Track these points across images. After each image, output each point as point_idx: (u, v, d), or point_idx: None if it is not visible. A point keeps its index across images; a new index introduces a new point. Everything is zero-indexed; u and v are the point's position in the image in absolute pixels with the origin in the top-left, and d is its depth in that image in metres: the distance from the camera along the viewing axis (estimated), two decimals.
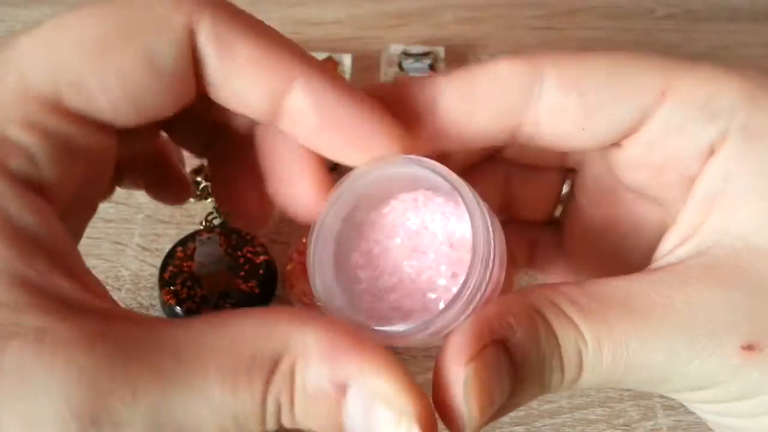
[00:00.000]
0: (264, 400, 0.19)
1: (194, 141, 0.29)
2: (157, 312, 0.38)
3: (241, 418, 0.19)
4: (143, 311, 0.38)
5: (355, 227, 0.24)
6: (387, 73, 0.51)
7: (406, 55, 0.52)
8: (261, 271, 0.39)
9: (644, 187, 0.25)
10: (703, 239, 0.22)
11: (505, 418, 0.35)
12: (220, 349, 0.19)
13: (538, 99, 0.23)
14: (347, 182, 0.23)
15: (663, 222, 0.26)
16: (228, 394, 0.18)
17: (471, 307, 0.20)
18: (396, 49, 0.53)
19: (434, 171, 0.21)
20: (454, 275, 0.22)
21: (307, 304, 0.38)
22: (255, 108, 0.22)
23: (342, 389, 0.19)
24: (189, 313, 0.37)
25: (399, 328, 0.21)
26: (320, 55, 0.52)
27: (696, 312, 0.20)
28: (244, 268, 0.39)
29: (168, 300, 0.37)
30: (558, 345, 0.20)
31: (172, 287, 0.38)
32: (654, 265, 0.23)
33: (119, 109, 0.21)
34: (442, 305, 0.21)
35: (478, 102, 0.23)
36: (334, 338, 0.19)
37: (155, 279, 0.39)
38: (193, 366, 0.18)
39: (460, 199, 0.21)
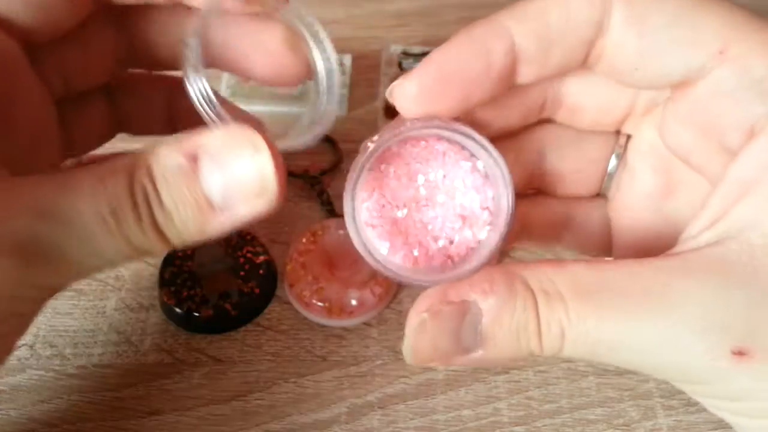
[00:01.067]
0: (131, 188, 0.22)
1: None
2: (158, 312, 0.38)
3: (115, 206, 0.22)
4: (143, 311, 0.38)
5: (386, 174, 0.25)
6: (387, 73, 0.51)
7: (406, 55, 0.52)
8: (261, 271, 0.39)
9: (687, 151, 0.25)
10: (726, 228, 0.21)
11: (504, 419, 0.35)
12: (91, 171, 0.23)
13: (604, 33, 0.23)
14: (384, 135, 0.24)
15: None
16: (97, 185, 0.22)
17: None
18: (396, 49, 0.53)
19: (468, 136, 0.23)
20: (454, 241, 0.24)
21: (307, 304, 0.38)
22: None
23: (194, 159, 0.23)
24: (189, 313, 0.37)
25: (421, 276, 0.23)
26: None
27: (691, 307, 0.20)
28: (244, 268, 0.39)
29: (168, 300, 0.37)
30: (537, 315, 0.21)
31: (172, 287, 0.38)
32: (675, 248, 0.22)
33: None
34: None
35: (552, 40, 0.24)
36: (178, 137, 0.23)
37: (155, 279, 0.39)
38: (65, 179, 0.23)
39: (485, 168, 0.24)
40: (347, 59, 0.52)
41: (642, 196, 0.28)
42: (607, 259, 0.22)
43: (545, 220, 0.30)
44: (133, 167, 0.23)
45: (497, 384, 0.36)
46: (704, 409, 0.35)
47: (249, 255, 0.39)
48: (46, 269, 0.23)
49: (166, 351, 0.37)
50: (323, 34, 0.28)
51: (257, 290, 0.38)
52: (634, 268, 0.21)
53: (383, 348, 0.37)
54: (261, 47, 0.29)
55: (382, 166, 0.24)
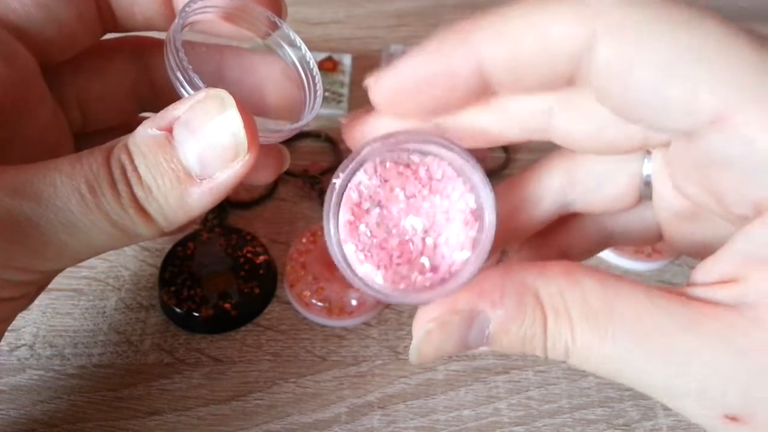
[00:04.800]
0: (108, 163, 0.23)
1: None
2: (158, 312, 0.38)
3: (92, 181, 0.22)
4: (143, 311, 0.38)
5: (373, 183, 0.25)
6: None
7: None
8: (261, 271, 0.39)
9: (694, 197, 0.23)
10: (743, 296, 0.20)
11: (504, 419, 0.35)
12: (72, 155, 0.23)
13: (585, 67, 0.21)
14: (368, 146, 0.24)
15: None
16: (75, 163, 0.23)
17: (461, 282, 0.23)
18: (396, 49, 0.53)
19: (451, 149, 0.23)
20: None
21: (307, 304, 0.38)
22: None
23: (169, 130, 0.23)
24: (189, 313, 0.37)
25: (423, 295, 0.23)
26: (320, 55, 0.52)
27: (693, 366, 0.20)
28: (244, 268, 0.39)
29: (168, 300, 0.37)
30: (545, 331, 0.21)
31: (172, 287, 0.38)
32: (690, 289, 0.21)
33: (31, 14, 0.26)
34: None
35: (523, 70, 0.22)
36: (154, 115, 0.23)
37: (155, 279, 0.39)
38: (46, 162, 0.23)
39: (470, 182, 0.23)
40: (347, 59, 0.52)
41: (672, 212, 0.26)
42: (617, 286, 0.22)
43: (585, 243, 0.29)
44: (111, 145, 0.23)
45: (497, 384, 0.36)
46: None
47: (249, 255, 0.39)
48: (26, 249, 0.23)
49: (166, 351, 0.37)
50: (294, 35, 0.29)
51: (257, 290, 0.38)
52: (645, 305, 0.20)
53: (383, 348, 0.37)
54: (268, 80, 0.29)
55: (362, 186, 0.24)
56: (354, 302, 0.38)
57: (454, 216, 0.24)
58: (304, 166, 0.46)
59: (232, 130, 0.23)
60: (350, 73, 0.51)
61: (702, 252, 0.25)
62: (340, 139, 0.47)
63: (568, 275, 0.21)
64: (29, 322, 0.38)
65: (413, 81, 0.23)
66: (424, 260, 0.23)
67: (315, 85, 0.29)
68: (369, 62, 0.52)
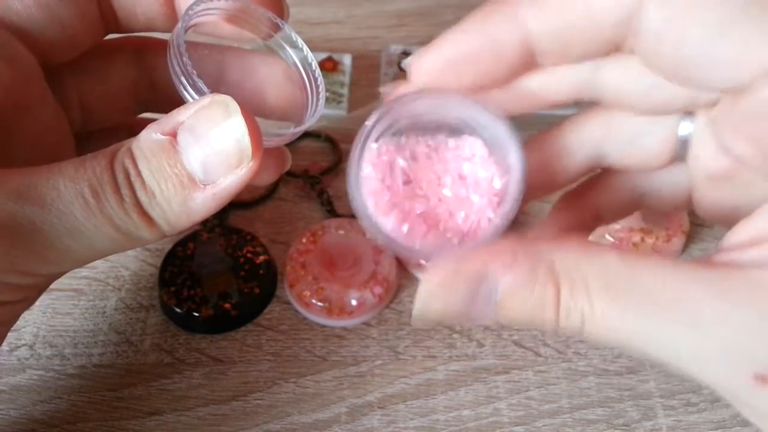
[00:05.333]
0: (112, 167, 0.23)
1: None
2: (158, 312, 0.38)
3: (95, 185, 0.23)
4: (143, 311, 0.38)
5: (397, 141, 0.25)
6: (387, 73, 0.51)
7: (406, 55, 0.52)
8: (261, 271, 0.39)
9: (739, 154, 0.23)
10: None
11: (504, 419, 0.35)
12: (76, 158, 0.23)
13: (636, 33, 0.21)
14: (398, 102, 0.23)
15: None
16: (79, 167, 0.23)
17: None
18: (396, 49, 0.53)
19: (481, 110, 0.23)
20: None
21: (307, 304, 0.38)
22: None
23: (173, 135, 0.23)
24: (189, 313, 0.37)
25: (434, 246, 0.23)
26: (320, 55, 0.52)
27: (721, 328, 0.19)
28: (244, 268, 0.39)
29: (168, 300, 0.37)
30: (557, 301, 0.20)
31: (172, 287, 0.38)
32: (718, 255, 0.21)
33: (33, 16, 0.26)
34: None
35: (571, 38, 0.22)
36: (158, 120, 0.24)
37: (155, 279, 0.39)
38: (49, 166, 0.23)
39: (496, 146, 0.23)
40: (347, 59, 0.52)
41: (707, 174, 0.26)
42: (635, 257, 0.21)
43: (617, 203, 0.29)
44: (115, 149, 0.23)
45: (497, 384, 0.36)
46: (704, 409, 0.35)
47: (249, 255, 0.39)
48: (29, 253, 0.23)
49: (166, 351, 0.37)
50: (296, 36, 0.29)
51: (257, 290, 0.38)
52: (670, 272, 0.20)
53: (383, 348, 0.37)
54: (269, 81, 0.29)
55: (391, 135, 0.24)
56: (354, 302, 0.38)
57: (479, 173, 0.23)
58: (304, 166, 0.46)
59: (237, 137, 0.23)
60: (350, 73, 0.51)
61: (730, 218, 0.24)
62: (340, 138, 0.47)
63: (587, 249, 0.21)
64: (29, 322, 0.38)
65: (457, 57, 0.23)
66: (446, 216, 0.23)
67: (317, 87, 0.29)
68: (369, 62, 0.52)
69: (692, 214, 0.42)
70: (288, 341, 0.38)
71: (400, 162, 0.24)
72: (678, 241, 0.41)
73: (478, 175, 0.24)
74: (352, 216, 0.42)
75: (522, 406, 0.35)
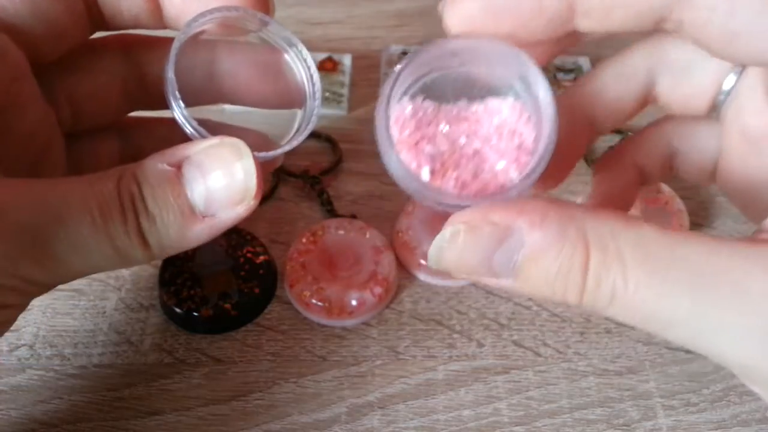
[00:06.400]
0: (119, 191, 0.24)
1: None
2: (158, 312, 0.38)
3: (103, 206, 0.23)
4: (143, 311, 0.38)
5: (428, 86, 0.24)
6: (387, 73, 0.51)
7: (406, 55, 0.52)
8: (261, 271, 0.39)
9: None
10: None
11: (504, 419, 0.35)
12: (80, 177, 0.24)
13: (683, 4, 0.21)
14: (436, 44, 0.23)
15: None
16: (86, 186, 0.24)
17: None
18: (396, 49, 0.53)
19: (516, 59, 0.22)
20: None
21: (307, 304, 0.38)
22: None
23: (178, 167, 0.24)
24: (189, 313, 0.37)
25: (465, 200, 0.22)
26: (320, 55, 0.52)
27: (763, 305, 0.18)
28: (244, 268, 0.39)
29: (168, 300, 0.37)
30: (585, 269, 0.19)
31: (172, 287, 0.38)
32: (760, 234, 0.20)
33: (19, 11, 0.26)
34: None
35: (613, 2, 0.21)
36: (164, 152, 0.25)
37: (155, 279, 0.39)
38: (57, 180, 0.24)
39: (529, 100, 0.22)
40: (347, 59, 0.52)
41: (744, 133, 0.25)
42: (676, 233, 0.20)
43: (652, 159, 0.28)
44: (121, 173, 0.24)
45: (497, 384, 0.36)
46: (704, 409, 0.35)
47: (249, 255, 0.39)
48: (32, 261, 0.23)
49: (166, 351, 0.37)
50: (300, 45, 0.29)
51: (257, 290, 0.38)
52: (713, 247, 0.19)
53: (383, 348, 0.37)
54: (263, 72, 0.30)
55: (419, 90, 0.23)
56: (354, 302, 0.38)
57: (510, 125, 0.23)
58: (304, 166, 0.46)
59: (246, 178, 0.24)
60: (350, 74, 0.51)
61: (753, 193, 0.24)
62: (340, 139, 0.47)
63: (625, 219, 0.20)
64: (29, 322, 0.38)
65: (497, 3, 0.22)
66: (472, 165, 0.22)
67: (314, 93, 0.29)
68: (369, 62, 0.52)
69: (693, 213, 0.42)
70: (288, 341, 0.38)
71: (430, 119, 0.23)
72: None
73: (512, 130, 0.23)
74: (353, 216, 0.42)
75: (522, 406, 0.35)
